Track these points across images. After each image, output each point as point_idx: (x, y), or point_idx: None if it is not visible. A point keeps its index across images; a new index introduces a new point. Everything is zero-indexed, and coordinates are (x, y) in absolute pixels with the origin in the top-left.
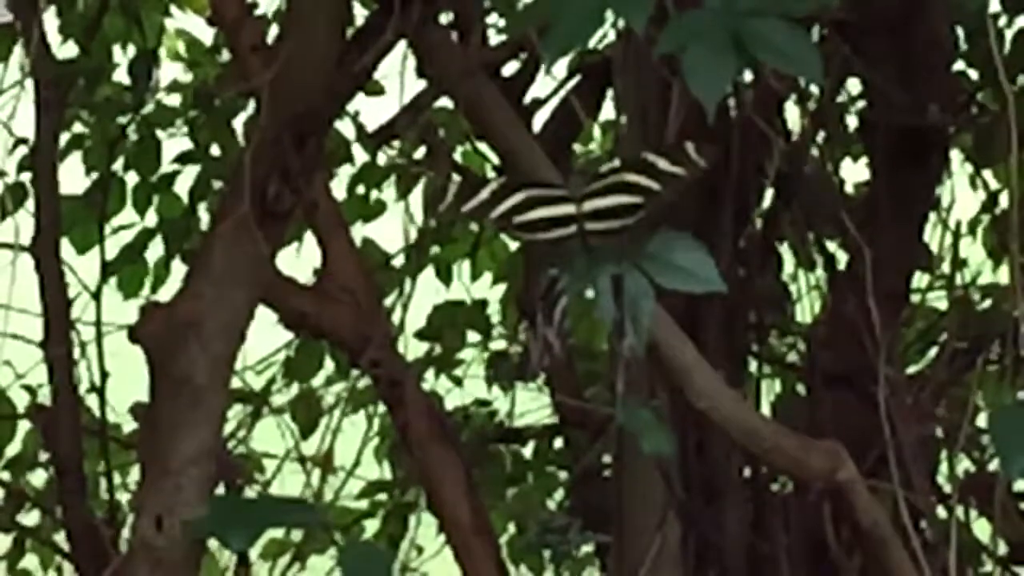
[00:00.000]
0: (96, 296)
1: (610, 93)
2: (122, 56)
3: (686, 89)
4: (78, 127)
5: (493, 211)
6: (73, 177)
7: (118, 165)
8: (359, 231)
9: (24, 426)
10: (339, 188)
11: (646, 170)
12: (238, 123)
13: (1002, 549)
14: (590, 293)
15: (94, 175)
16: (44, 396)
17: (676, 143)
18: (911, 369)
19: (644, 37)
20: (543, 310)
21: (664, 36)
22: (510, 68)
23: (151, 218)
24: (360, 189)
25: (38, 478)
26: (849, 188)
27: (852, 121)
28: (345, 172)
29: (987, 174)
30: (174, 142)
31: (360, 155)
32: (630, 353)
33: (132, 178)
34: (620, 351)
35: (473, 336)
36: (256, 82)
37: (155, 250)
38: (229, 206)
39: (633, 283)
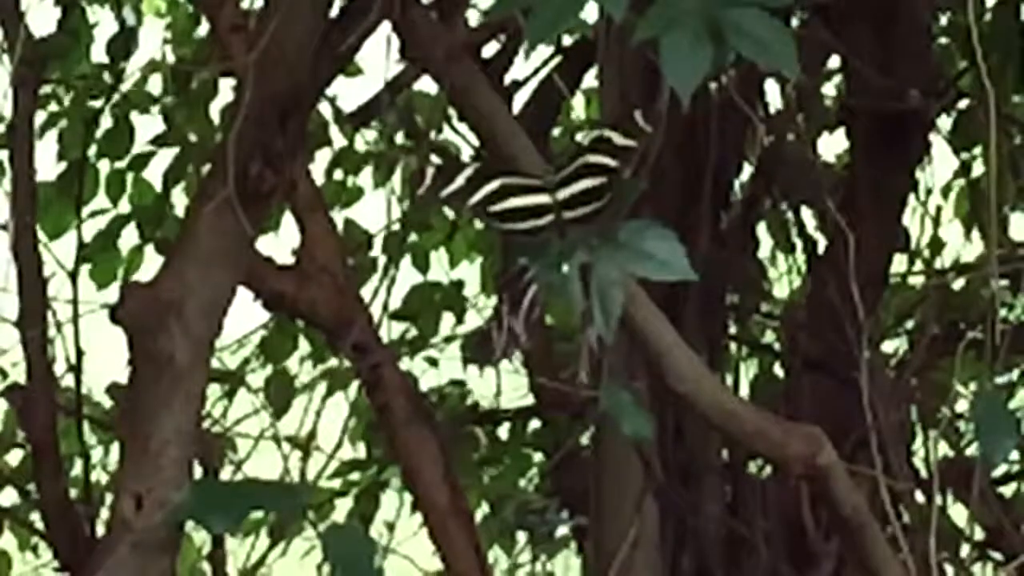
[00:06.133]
0: (72, 275)
1: (591, 73)
2: (100, 19)
3: None
4: (54, 106)
5: (469, 198)
6: (46, 162)
7: (91, 152)
8: (339, 215)
9: (2, 406)
10: (317, 172)
11: (606, 148)
12: (214, 107)
13: (978, 534)
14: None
15: (67, 159)
16: (19, 375)
17: (625, 114)
18: (887, 346)
19: (624, 23)
20: (509, 299)
21: (642, 23)
22: (489, 49)
23: (124, 203)
24: (338, 174)
25: (14, 457)
26: (831, 158)
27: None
28: (323, 156)
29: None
30: (148, 121)
31: (338, 139)
32: (596, 341)
33: (105, 165)
34: (586, 339)
35: (449, 317)
36: (240, 61)
37: (128, 238)
38: (211, 186)
39: (603, 272)
